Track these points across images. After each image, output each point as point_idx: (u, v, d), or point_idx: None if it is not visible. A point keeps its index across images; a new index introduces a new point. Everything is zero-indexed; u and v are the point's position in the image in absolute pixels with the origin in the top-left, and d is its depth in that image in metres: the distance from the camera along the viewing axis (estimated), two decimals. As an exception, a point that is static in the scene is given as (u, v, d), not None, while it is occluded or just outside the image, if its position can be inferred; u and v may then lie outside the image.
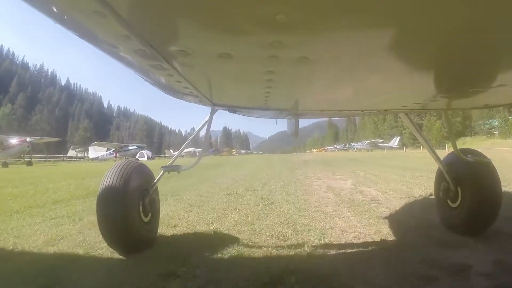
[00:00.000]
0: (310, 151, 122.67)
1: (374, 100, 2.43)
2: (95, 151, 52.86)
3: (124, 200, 2.39)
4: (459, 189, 2.93)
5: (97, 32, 1.08)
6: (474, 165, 2.81)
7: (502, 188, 2.85)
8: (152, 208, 2.79)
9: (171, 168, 2.88)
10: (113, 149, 51.02)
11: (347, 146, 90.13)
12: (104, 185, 2.40)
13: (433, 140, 53.73)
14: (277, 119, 3.60)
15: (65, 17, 0.98)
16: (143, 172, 2.71)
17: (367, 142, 63.06)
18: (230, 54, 1.19)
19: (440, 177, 3.21)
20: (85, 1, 0.83)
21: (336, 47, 1.16)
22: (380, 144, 58.16)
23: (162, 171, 2.86)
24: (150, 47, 1.14)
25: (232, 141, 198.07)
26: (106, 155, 51.24)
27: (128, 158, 42.68)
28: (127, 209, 2.41)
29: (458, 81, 1.76)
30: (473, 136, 59.24)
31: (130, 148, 51.80)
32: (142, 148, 52.65)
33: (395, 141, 54.49)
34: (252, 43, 1.10)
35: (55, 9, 0.94)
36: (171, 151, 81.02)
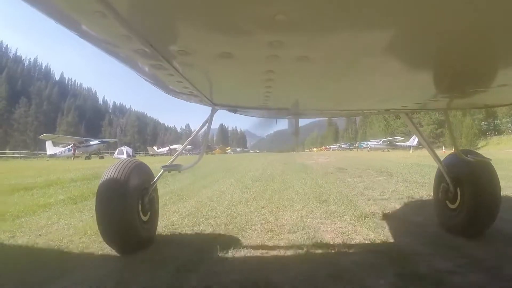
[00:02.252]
0: (310, 150, 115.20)
1: (374, 100, 2.43)
2: (53, 146, 42.70)
3: (123, 198, 2.37)
4: (458, 190, 2.91)
5: (98, 31, 1.08)
6: (474, 165, 2.81)
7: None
8: (151, 207, 2.77)
9: (171, 168, 2.83)
10: (73, 144, 40.70)
11: (356, 145, 75.68)
12: (104, 183, 2.39)
13: (463, 139, 46.85)
14: (277, 119, 3.59)
15: (66, 17, 0.98)
16: (142, 171, 2.69)
17: (382, 140, 54.26)
18: (230, 53, 1.19)
19: (439, 178, 3.19)
20: (86, 1, 0.82)
21: (336, 47, 1.15)
22: (398, 143, 51.34)
23: (162, 170, 2.82)
24: (150, 46, 1.14)
25: (229, 139, 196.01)
26: (64, 151, 41.06)
27: (89, 157, 37.06)
28: (126, 207, 2.39)
29: (458, 81, 1.75)
30: (501, 135, 52.27)
31: (91, 143, 41.18)
32: (104, 143, 43.46)
33: (414, 140, 47.93)
34: (252, 42, 1.10)
35: (55, 9, 0.94)
36: (155, 148, 73.73)
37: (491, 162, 2.80)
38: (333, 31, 0.99)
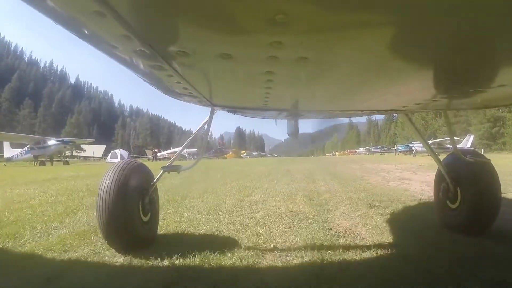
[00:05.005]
0: (334, 154, 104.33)
1: (374, 100, 2.43)
2: (11, 147, 33.76)
3: (123, 199, 2.40)
4: (458, 190, 2.93)
5: (97, 32, 1.08)
6: (473, 165, 2.82)
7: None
8: (152, 208, 2.80)
9: (170, 168, 2.87)
10: (28, 146, 31.43)
11: (395, 148, 59.74)
12: (104, 184, 2.41)
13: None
14: (276, 120, 3.61)
15: (64, 17, 0.99)
16: (142, 172, 2.72)
17: (430, 142, 39.57)
18: (230, 54, 1.19)
19: (439, 178, 3.21)
20: (84, 1, 0.83)
21: (336, 47, 1.16)
22: (448, 145, 39.74)
23: (162, 171, 2.85)
24: (149, 47, 1.14)
25: (246, 143, 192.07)
26: (21, 153, 32.11)
27: (48, 161, 28.97)
28: (126, 208, 2.42)
29: (458, 81, 1.75)
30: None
31: (49, 143, 30.74)
32: (66, 143, 32.44)
33: (468, 141, 40.11)
34: (252, 43, 1.10)
35: (53, 9, 0.94)
36: (155, 151, 64.86)
37: (491, 162, 2.81)
38: (333, 31, 0.99)
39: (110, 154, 40.53)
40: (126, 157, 35.34)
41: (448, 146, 41.33)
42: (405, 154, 43.44)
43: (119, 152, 40.16)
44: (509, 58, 1.30)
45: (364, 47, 1.14)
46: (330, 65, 1.41)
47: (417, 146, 43.00)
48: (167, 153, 61.63)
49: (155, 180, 2.83)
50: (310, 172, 11.60)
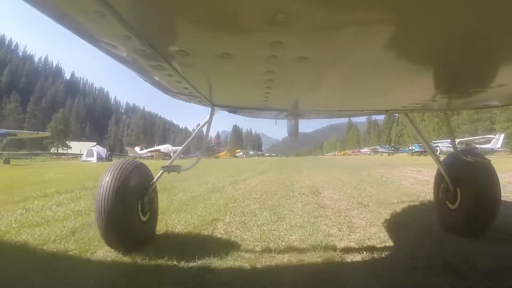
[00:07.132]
0: (334, 154, 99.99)
1: (374, 100, 2.44)
2: None
3: (123, 199, 2.39)
4: (458, 190, 2.93)
5: (97, 31, 1.08)
6: (473, 166, 2.82)
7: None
8: (151, 208, 2.79)
9: (170, 169, 2.86)
10: None
11: (409, 147, 51.01)
12: (103, 183, 2.40)
13: None
14: (277, 119, 3.60)
15: (65, 16, 0.99)
16: (142, 171, 2.71)
17: (457, 141, 32.66)
18: (230, 54, 1.19)
19: (439, 178, 3.21)
20: (85, 1, 0.83)
21: (336, 47, 1.16)
22: (476, 145, 35.67)
23: (161, 171, 2.83)
24: (150, 47, 1.14)
25: (243, 141, 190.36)
26: None
27: None
28: (125, 208, 2.41)
29: (458, 81, 1.75)
30: None
31: None
32: (4, 136, 24.93)
33: (499, 140, 34.64)
34: (252, 43, 1.10)
35: (54, 9, 0.94)
36: (137, 149, 59.00)
37: (490, 162, 2.82)
38: (333, 31, 1.00)
39: (86, 151, 35.59)
40: (103, 155, 33.78)
41: (477, 146, 35.16)
42: (419, 155, 37.88)
43: (95, 149, 35.53)
44: (509, 58, 1.30)
45: (364, 47, 1.14)
46: (330, 65, 1.41)
47: (442, 145, 34.14)
48: (149, 151, 56.03)
49: (154, 180, 2.81)
50: (369, 195, 5.64)
